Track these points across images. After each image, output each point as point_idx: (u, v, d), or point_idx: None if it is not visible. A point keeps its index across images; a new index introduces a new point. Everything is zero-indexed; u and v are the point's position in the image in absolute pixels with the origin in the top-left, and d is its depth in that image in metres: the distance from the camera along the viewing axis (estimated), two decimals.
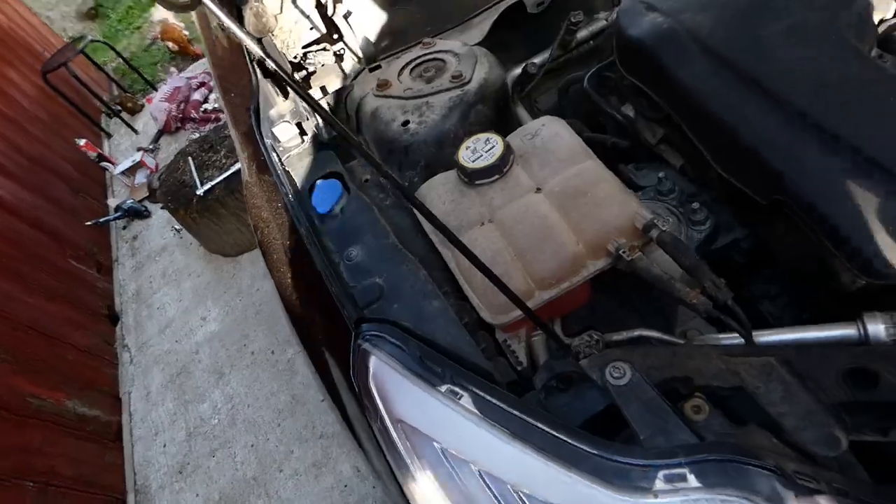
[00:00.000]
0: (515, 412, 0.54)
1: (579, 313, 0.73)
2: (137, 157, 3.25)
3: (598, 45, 0.94)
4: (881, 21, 0.67)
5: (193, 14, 1.83)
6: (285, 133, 0.88)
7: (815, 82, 0.58)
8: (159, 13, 4.25)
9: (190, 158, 2.49)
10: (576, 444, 0.51)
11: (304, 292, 0.80)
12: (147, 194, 3.13)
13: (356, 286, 0.68)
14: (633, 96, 0.78)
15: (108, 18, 5.76)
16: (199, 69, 3.85)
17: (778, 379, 0.52)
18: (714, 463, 0.46)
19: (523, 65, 0.89)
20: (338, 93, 0.94)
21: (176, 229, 2.88)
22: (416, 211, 0.76)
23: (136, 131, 3.70)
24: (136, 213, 3.03)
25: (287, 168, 0.82)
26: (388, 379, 0.61)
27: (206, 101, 3.50)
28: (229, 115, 1.09)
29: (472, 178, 0.71)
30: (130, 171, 3.28)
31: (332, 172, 0.80)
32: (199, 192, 2.32)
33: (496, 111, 0.83)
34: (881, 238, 0.53)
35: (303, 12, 0.92)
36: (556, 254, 0.65)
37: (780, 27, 0.62)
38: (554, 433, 0.52)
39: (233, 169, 2.36)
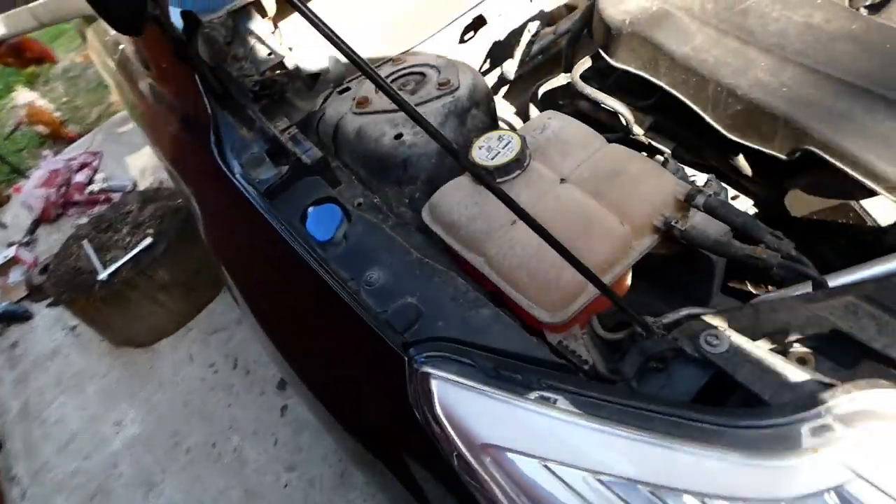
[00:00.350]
0: (625, 403, 0.48)
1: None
2: (10, 252, 2.85)
3: (562, 49, 0.96)
4: None
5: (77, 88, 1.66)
6: (255, 166, 0.79)
7: (818, 37, 0.61)
8: (23, 97, 3.88)
9: (85, 242, 2.21)
10: (703, 420, 0.45)
11: (315, 328, 0.69)
12: (26, 293, 2.73)
13: (387, 311, 0.60)
14: (620, 88, 0.79)
15: None
16: (80, 149, 3.53)
17: (866, 315, 0.51)
18: (854, 402, 0.43)
19: (499, 71, 0.87)
20: (304, 121, 0.86)
21: (70, 327, 2.51)
22: (430, 226, 0.70)
23: (3, 225, 3.25)
24: (13, 317, 2.61)
25: (272, 209, 0.72)
26: (461, 399, 0.52)
27: (90, 182, 3.20)
28: (172, 160, 0.97)
29: (493, 176, 0.66)
30: (1, 270, 2.86)
31: (325, 197, 0.72)
32: (102, 276, 2.05)
33: (489, 115, 0.80)
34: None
35: (260, 39, 0.85)
36: (603, 238, 0.61)
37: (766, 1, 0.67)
38: (677, 415, 0.46)
39: (142, 245, 2.12)
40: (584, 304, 0.59)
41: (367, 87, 0.84)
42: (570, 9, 1.00)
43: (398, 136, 0.75)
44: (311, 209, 0.71)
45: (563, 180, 0.66)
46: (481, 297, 0.60)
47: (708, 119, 0.69)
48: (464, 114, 0.77)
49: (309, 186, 0.74)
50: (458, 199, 0.68)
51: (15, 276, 2.82)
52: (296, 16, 0.94)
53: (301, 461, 1.73)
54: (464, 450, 0.51)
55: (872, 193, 0.60)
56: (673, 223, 0.60)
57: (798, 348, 0.51)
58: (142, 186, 3.06)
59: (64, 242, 2.34)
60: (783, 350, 0.52)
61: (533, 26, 0.97)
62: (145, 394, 2.13)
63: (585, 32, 0.85)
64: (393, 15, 0.97)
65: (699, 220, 0.63)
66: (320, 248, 0.67)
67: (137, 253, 2.11)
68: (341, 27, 0.92)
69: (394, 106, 0.79)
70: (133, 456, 1.97)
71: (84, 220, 2.97)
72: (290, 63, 0.87)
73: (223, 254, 0.92)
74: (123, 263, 2.08)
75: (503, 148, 0.66)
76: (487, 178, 0.52)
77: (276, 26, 0.89)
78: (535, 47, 0.97)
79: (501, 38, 1.00)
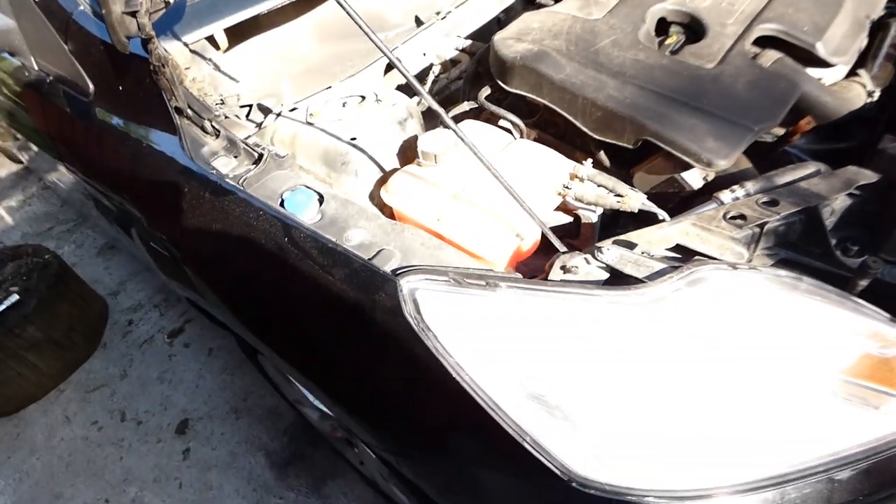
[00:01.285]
0: (547, 287, 0.69)
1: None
2: None
3: (452, 91, 1.23)
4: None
5: None
6: (226, 166, 0.91)
7: (643, 67, 0.93)
8: None
9: None
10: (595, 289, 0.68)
11: (303, 295, 0.81)
12: None
13: (373, 257, 0.76)
14: (511, 109, 1.06)
15: None
16: None
17: (693, 234, 0.79)
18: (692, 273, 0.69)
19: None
20: (258, 135, 1.00)
21: None
22: (386, 200, 0.88)
23: None
24: None
25: (251, 192, 0.85)
26: (442, 301, 0.69)
27: None
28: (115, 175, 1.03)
29: (436, 159, 0.87)
30: None
31: (296, 185, 0.86)
32: None
33: (422, 126, 1.02)
34: (704, 142, 0.86)
35: (216, 66, 0.98)
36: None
37: (607, 42, 0.98)
38: (586, 290, 0.68)
39: (7, 303, 1.94)
40: (515, 244, 0.81)
41: (315, 105, 1.01)
42: (454, 63, 1.27)
43: (353, 139, 0.93)
44: (286, 194, 0.85)
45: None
46: (442, 242, 0.78)
47: (578, 124, 0.97)
48: (404, 121, 0.97)
49: (279, 179, 0.88)
50: (410, 179, 0.87)
51: None
52: (238, 49, 1.09)
53: (212, 498, 1.68)
54: (447, 341, 0.68)
55: (687, 167, 0.91)
56: (567, 188, 0.86)
57: (658, 255, 0.77)
58: None
59: None
60: (650, 255, 0.77)
61: (436, 69, 1.22)
62: (16, 461, 1.90)
63: (477, 71, 1.13)
64: (323, 56, 1.17)
65: (586, 187, 0.90)
66: (304, 222, 0.81)
67: (2, 311, 1.93)
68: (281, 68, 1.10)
69: (340, 116, 0.98)
70: None
71: None
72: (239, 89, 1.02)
73: (192, 249, 0.99)
74: None
75: (443, 140, 0.88)
76: (448, 120, 0.72)
77: (227, 58, 1.03)
78: (434, 87, 1.23)
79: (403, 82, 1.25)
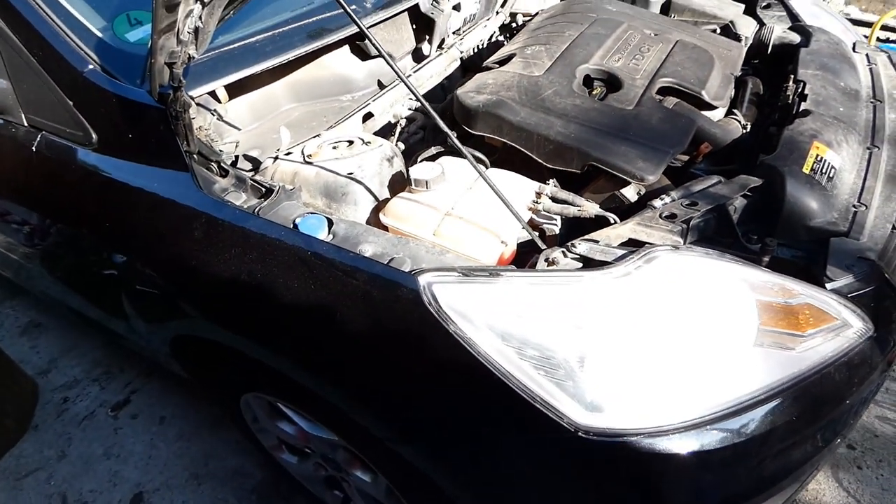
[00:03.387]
0: (540, 273, 0.86)
1: None
2: None
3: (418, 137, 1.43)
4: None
5: None
6: (238, 199, 1.02)
7: (580, 108, 1.18)
8: None
9: None
10: (577, 273, 0.86)
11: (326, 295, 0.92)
12: None
13: (387, 263, 0.89)
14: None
15: None
16: None
17: (637, 230, 1.00)
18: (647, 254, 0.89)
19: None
20: (261, 174, 1.13)
21: None
22: (385, 222, 1.02)
23: None
24: None
25: (270, 219, 0.96)
26: (456, 290, 0.83)
27: None
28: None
29: (428, 185, 1.04)
30: None
31: (308, 212, 0.99)
32: None
33: (403, 163, 1.19)
34: (636, 163, 1.10)
35: (219, 116, 1.11)
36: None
37: (550, 92, 1.22)
38: (572, 273, 0.86)
39: None
40: (501, 249, 0.98)
41: (310, 148, 1.15)
42: (409, 120, 1.48)
43: (350, 174, 1.08)
44: (297, 220, 0.97)
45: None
46: (444, 249, 0.93)
47: (534, 156, 1.18)
48: (391, 159, 1.14)
49: (289, 208, 1.00)
50: (406, 203, 1.03)
51: None
52: (235, 103, 1.23)
53: None
54: (466, 324, 0.82)
55: (625, 184, 1.14)
56: (537, 202, 1.06)
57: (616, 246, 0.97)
58: None
59: None
60: (611, 247, 0.97)
61: (402, 122, 1.42)
62: None
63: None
64: (301, 112, 1.33)
65: (549, 203, 1.10)
66: (318, 241, 0.93)
67: None
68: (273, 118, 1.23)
69: (335, 155, 1.13)
70: None
71: None
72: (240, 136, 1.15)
73: (205, 276, 1.06)
74: None
75: (432, 170, 1.06)
76: (457, 143, 0.90)
77: (226, 110, 1.16)
78: (403, 136, 1.42)
79: (377, 127, 1.43)
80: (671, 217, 1.00)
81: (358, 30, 1.38)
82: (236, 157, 1.19)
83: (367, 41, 1.44)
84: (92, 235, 1.29)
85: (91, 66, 1.10)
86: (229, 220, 0.99)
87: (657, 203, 1.06)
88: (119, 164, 1.14)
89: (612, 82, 1.31)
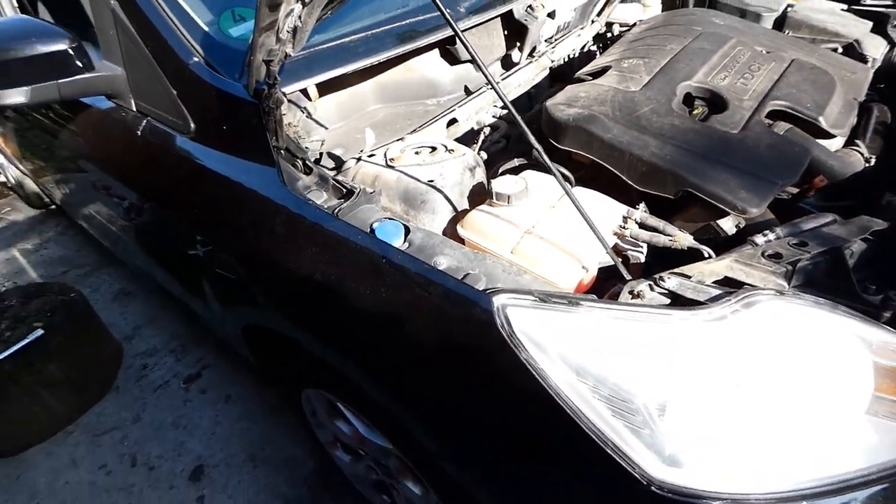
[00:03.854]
0: (623, 307, 0.79)
1: None
2: None
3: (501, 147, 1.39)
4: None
5: None
6: (319, 198, 1.02)
7: (676, 130, 1.10)
8: None
9: None
10: (672, 311, 0.79)
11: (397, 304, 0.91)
12: None
13: (461, 279, 0.86)
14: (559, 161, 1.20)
15: None
16: None
17: (737, 268, 0.91)
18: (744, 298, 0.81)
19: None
20: (344, 173, 1.13)
21: None
22: (463, 235, 0.99)
23: None
24: None
25: (348, 221, 0.96)
26: (531, 320, 0.79)
27: None
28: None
29: (509, 200, 1.00)
30: None
31: (386, 218, 0.98)
32: None
33: (485, 173, 1.16)
34: (738, 193, 1.01)
35: (308, 114, 1.13)
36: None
37: (647, 110, 1.15)
38: (659, 310, 0.79)
39: (31, 337, 1.95)
40: (582, 275, 0.92)
41: (393, 151, 1.14)
42: (493, 128, 1.44)
43: (430, 181, 1.06)
44: (375, 224, 0.96)
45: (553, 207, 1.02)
46: (521, 269, 0.89)
47: (624, 177, 1.11)
48: (473, 169, 1.11)
49: (367, 211, 0.99)
50: (485, 217, 0.99)
51: None
52: (324, 100, 1.24)
53: None
54: (537, 352, 0.77)
55: (722, 215, 1.05)
56: (624, 227, 0.99)
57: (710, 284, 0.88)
58: None
59: None
60: (704, 284, 0.89)
61: (486, 130, 1.38)
62: None
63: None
64: (387, 114, 1.33)
65: (636, 229, 1.03)
66: (393, 249, 0.92)
67: (26, 344, 1.94)
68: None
69: (417, 161, 1.11)
70: None
71: None
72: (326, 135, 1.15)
73: (280, 268, 1.08)
74: (10, 354, 1.89)
75: (515, 184, 1.01)
76: (547, 161, 0.85)
77: (315, 108, 1.18)
78: (485, 144, 1.38)
79: (460, 133, 1.40)
80: (776, 256, 0.91)
81: (448, 34, 1.37)
82: (321, 154, 1.20)
83: (458, 45, 1.42)
84: (181, 217, 1.36)
85: (196, 59, 1.15)
86: (309, 218, 0.99)
87: (759, 239, 0.97)
88: (211, 153, 1.18)
89: (717, 102, 1.21)
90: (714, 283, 0.89)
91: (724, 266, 0.91)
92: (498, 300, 0.79)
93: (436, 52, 1.47)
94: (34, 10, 2.21)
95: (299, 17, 0.92)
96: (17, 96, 1.19)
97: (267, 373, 1.71)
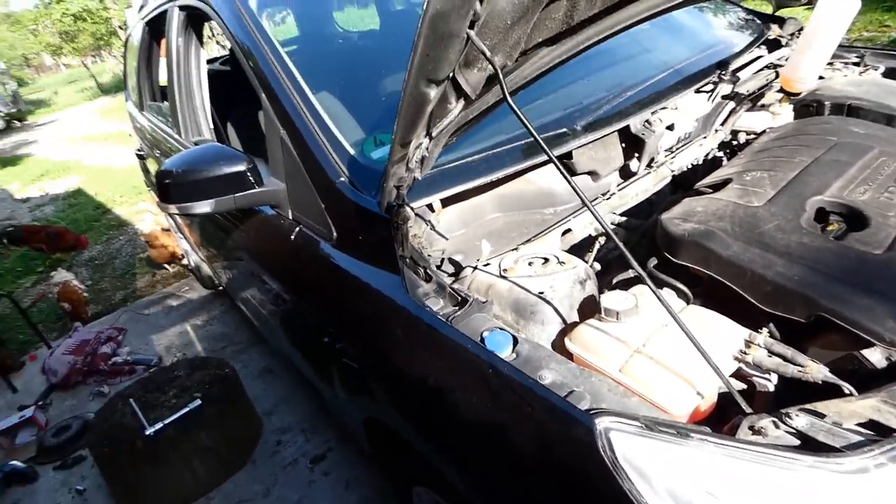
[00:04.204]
0: (741, 445, 0.74)
1: None
2: (27, 413, 2.82)
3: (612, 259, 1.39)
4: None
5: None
6: (436, 305, 1.11)
7: (805, 248, 1.04)
8: (60, 276, 4.17)
9: (132, 400, 2.31)
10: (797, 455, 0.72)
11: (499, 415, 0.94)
12: (34, 454, 2.66)
13: (565, 396, 0.87)
14: (673, 277, 1.18)
15: None
16: (107, 324, 3.71)
17: (885, 409, 0.81)
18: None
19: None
20: (461, 282, 1.22)
21: (77, 490, 2.42)
22: (570, 348, 1.01)
23: (14, 389, 3.25)
24: (18, 477, 2.51)
25: (460, 329, 1.03)
26: (636, 447, 0.77)
27: (115, 354, 3.32)
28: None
29: (619, 315, 1.00)
30: (9, 431, 2.80)
31: (497, 327, 1.03)
32: (149, 431, 2.13)
33: (597, 287, 1.18)
34: (886, 322, 0.91)
35: (431, 226, 1.26)
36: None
37: (771, 226, 1.10)
38: (784, 452, 0.73)
39: (191, 406, 2.24)
40: (697, 401, 0.88)
41: (506, 262, 1.21)
42: (602, 237, 1.45)
43: (541, 293, 1.10)
44: (485, 333, 1.02)
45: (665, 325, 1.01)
46: (627, 391, 0.88)
47: (746, 295, 1.06)
48: (583, 282, 1.14)
49: (479, 320, 1.06)
50: (594, 332, 1.00)
51: (22, 438, 2.77)
52: (445, 213, 1.37)
53: None
54: (641, 483, 0.75)
55: (867, 345, 0.95)
56: (745, 353, 0.93)
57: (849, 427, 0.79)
58: (167, 363, 3.22)
59: (107, 401, 2.42)
60: (841, 426, 0.80)
61: (601, 239, 1.41)
62: None
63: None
64: (505, 223, 1.42)
65: (763, 355, 0.96)
66: (500, 359, 0.96)
67: (186, 413, 2.22)
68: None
69: (529, 273, 1.16)
70: None
71: (105, 388, 3.06)
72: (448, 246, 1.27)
73: (398, 368, 1.17)
74: (170, 422, 2.18)
75: (625, 300, 1.02)
76: (643, 274, 0.86)
77: (439, 220, 1.30)
78: (600, 254, 1.40)
79: (578, 240, 1.45)
80: None
81: (564, 150, 1.46)
82: (442, 260, 1.31)
83: (574, 159, 1.49)
84: (319, 310, 1.53)
85: (342, 179, 1.34)
86: (426, 323, 1.08)
87: None
88: (348, 259, 1.35)
89: (855, 219, 1.13)
90: (857, 425, 0.80)
91: (869, 406, 0.82)
92: (601, 423, 0.79)
93: (551, 166, 1.56)
94: (224, 130, 2.72)
95: (427, 149, 1.06)
96: (204, 207, 1.48)
97: (383, 465, 1.78)
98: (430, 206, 1.31)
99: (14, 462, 2.55)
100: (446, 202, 1.38)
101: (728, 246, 1.10)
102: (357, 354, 1.36)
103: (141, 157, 3.57)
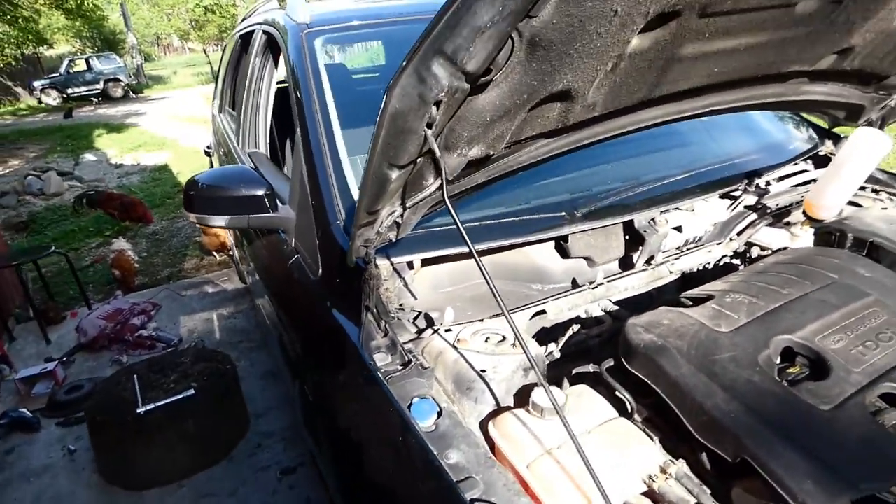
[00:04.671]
0: None
1: None
2: (50, 366, 3.07)
3: (588, 348, 1.39)
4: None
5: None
6: (383, 360, 1.16)
7: (751, 387, 1.01)
8: (118, 244, 4.52)
9: (136, 377, 2.47)
10: None
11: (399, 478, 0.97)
12: (44, 406, 2.87)
13: (460, 480, 0.89)
14: (629, 384, 1.17)
15: (41, 235, 5.87)
16: (143, 298, 3.97)
17: None
18: None
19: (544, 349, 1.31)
20: (414, 343, 1.27)
21: (70, 450, 2.60)
22: (492, 435, 1.03)
23: (48, 341, 3.53)
24: (22, 425, 2.72)
25: (392, 389, 1.07)
26: None
27: (143, 327, 3.55)
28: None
29: (543, 413, 1.02)
30: (30, 379, 3.04)
31: (426, 395, 1.07)
32: (141, 410, 2.27)
33: (544, 377, 1.19)
34: (804, 483, 0.88)
35: (405, 283, 1.33)
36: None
37: (726, 356, 1.09)
38: None
39: (185, 394, 2.37)
40: None
41: (465, 331, 1.25)
42: (598, 321, 1.46)
43: (483, 371, 1.13)
44: (415, 399, 1.06)
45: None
46: (521, 490, 0.89)
47: (685, 421, 1.05)
48: (526, 371, 1.16)
49: (415, 384, 1.10)
50: (516, 423, 1.02)
51: (39, 388, 2.99)
52: (425, 272, 1.42)
53: None
54: None
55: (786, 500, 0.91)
56: (653, 479, 0.92)
57: None
58: (186, 344, 3.41)
59: (116, 371, 2.60)
60: None
61: (575, 327, 1.42)
62: None
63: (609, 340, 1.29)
64: (487, 290, 1.45)
65: (671, 486, 0.95)
66: (421, 428, 0.99)
67: (179, 399, 2.35)
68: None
69: (480, 348, 1.19)
70: None
71: (124, 358, 3.26)
72: (420, 307, 1.32)
73: (335, 409, 1.24)
74: (162, 405, 2.31)
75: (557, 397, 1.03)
76: (555, 403, 0.88)
77: (412, 279, 1.36)
78: (573, 339, 1.40)
79: (548, 326, 1.45)
80: None
81: (562, 233, 1.49)
82: (418, 314, 1.36)
83: (570, 243, 1.51)
84: (297, 338, 1.62)
85: (338, 222, 1.43)
86: (364, 376, 1.13)
87: None
88: (325, 297, 1.42)
89: (819, 367, 1.09)
90: None
91: None
92: None
93: (552, 243, 1.59)
94: (281, 149, 2.91)
95: (400, 216, 1.13)
96: (219, 221, 1.61)
97: None
98: (410, 264, 1.37)
99: (23, 410, 2.77)
100: (436, 260, 1.44)
101: (678, 366, 1.09)
102: (316, 382, 1.43)
103: (208, 154, 3.86)
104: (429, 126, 0.85)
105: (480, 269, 0.96)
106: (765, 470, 0.92)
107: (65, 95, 18.12)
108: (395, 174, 0.96)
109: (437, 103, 0.81)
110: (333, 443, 1.26)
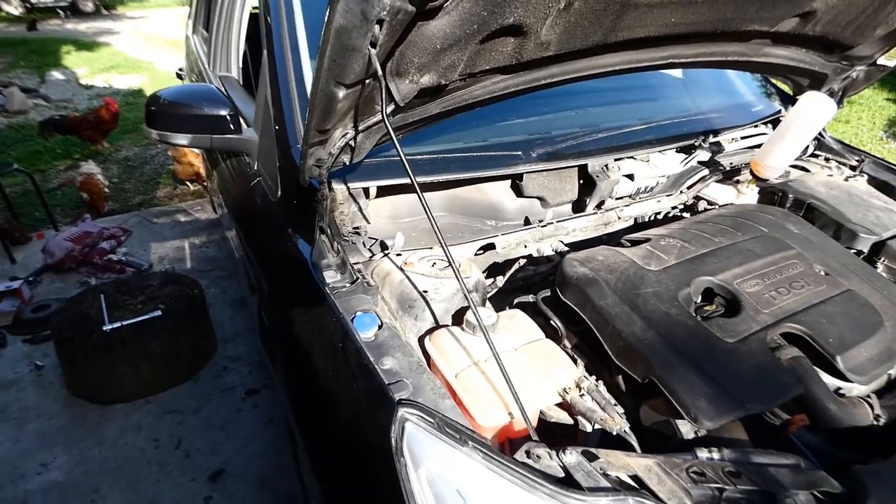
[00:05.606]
0: (505, 461, 0.84)
1: None
2: (14, 284, 3.08)
3: (532, 280, 1.48)
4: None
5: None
6: (331, 278, 1.23)
7: (666, 319, 1.11)
8: (87, 167, 4.44)
9: (102, 296, 2.51)
10: (543, 482, 0.82)
11: (338, 383, 1.06)
12: (9, 324, 2.90)
13: (392, 382, 0.98)
14: (562, 313, 1.27)
15: (3, 154, 5.71)
16: (113, 223, 3.96)
17: None
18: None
19: (491, 280, 1.38)
20: (364, 264, 1.33)
21: (37, 365, 2.65)
22: (426, 347, 1.11)
23: (13, 260, 3.52)
24: None
25: (337, 302, 1.14)
26: (421, 439, 0.88)
27: (112, 252, 3.55)
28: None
29: (475, 330, 1.10)
30: None
31: (369, 310, 1.14)
32: (107, 327, 2.32)
33: (482, 301, 1.27)
34: (697, 400, 0.98)
35: (360, 209, 1.38)
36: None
37: (650, 291, 1.18)
38: (534, 477, 0.82)
39: (151, 314, 2.43)
40: (504, 420, 0.98)
41: (414, 257, 1.32)
42: (549, 259, 1.54)
43: (425, 291, 1.21)
44: (358, 313, 1.13)
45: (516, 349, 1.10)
46: (447, 393, 0.98)
47: (605, 344, 1.14)
48: (469, 293, 1.24)
49: (360, 300, 1.17)
50: (448, 337, 1.11)
51: (5, 306, 3.01)
52: (381, 200, 1.47)
53: None
54: (412, 468, 0.86)
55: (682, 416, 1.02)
56: (566, 392, 1.02)
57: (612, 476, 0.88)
58: (157, 269, 3.44)
59: (82, 291, 2.64)
60: (604, 473, 0.89)
61: (522, 262, 1.50)
62: (84, 446, 2.23)
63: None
64: (444, 223, 1.52)
65: (581, 399, 1.05)
66: (360, 337, 1.07)
67: (145, 319, 2.41)
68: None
69: (425, 272, 1.27)
70: (46, 500, 2.01)
71: (92, 280, 3.29)
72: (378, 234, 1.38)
73: (285, 326, 1.31)
74: (128, 324, 2.37)
75: (486, 317, 1.12)
76: (483, 326, 0.96)
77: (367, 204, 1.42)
78: (520, 274, 1.49)
79: (500, 261, 1.53)
80: (698, 475, 0.88)
81: (519, 171, 1.54)
82: (375, 240, 1.42)
83: (524, 181, 1.57)
84: (260, 252, 1.68)
85: (298, 144, 1.46)
86: (312, 290, 1.20)
87: (702, 454, 0.94)
88: (283, 218, 1.47)
89: (732, 306, 1.19)
90: (620, 476, 0.89)
91: (642, 464, 0.91)
92: (403, 411, 0.90)
93: (508, 182, 1.64)
94: (255, 74, 2.86)
95: (352, 139, 1.17)
96: (181, 139, 1.62)
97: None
98: (366, 191, 1.42)
99: None
100: (395, 189, 1.49)
101: (605, 297, 1.18)
102: (272, 296, 1.50)
103: (180, 77, 3.77)
104: (372, 45, 0.88)
105: (416, 191, 1.02)
106: (667, 389, 1.02)
107: (28, 5, 16.77)
108: (342, 92, 0.99)
109: (380, 22, 0.84)
110: (286, 364, 1.34)
